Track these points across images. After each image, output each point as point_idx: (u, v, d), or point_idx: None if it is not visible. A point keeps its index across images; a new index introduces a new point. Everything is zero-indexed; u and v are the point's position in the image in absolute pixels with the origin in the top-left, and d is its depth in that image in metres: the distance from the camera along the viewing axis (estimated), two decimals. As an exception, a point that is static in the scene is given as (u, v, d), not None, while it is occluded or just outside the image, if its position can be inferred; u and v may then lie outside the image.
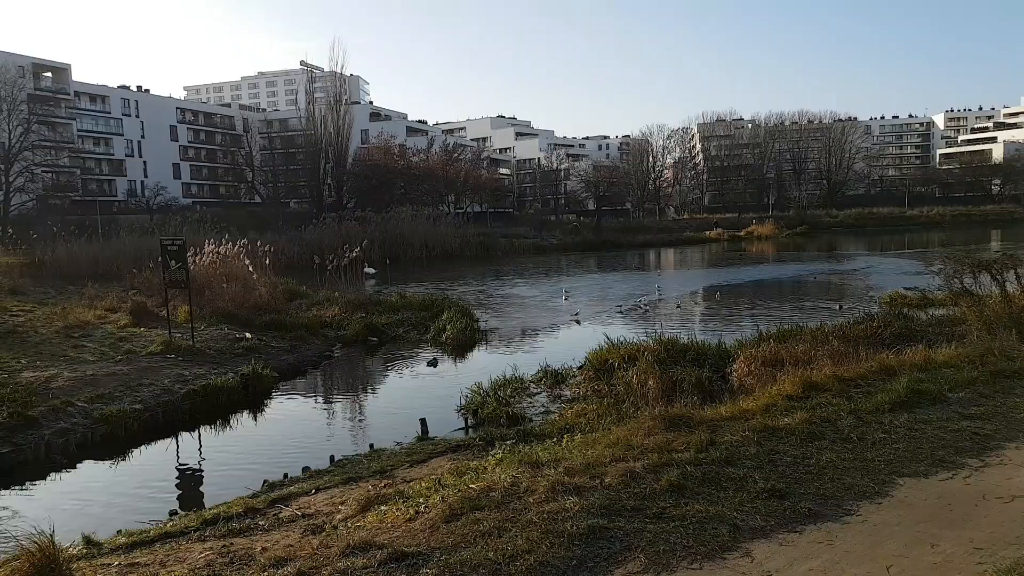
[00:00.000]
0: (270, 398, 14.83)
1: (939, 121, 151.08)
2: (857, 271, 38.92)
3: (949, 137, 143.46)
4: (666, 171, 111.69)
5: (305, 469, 10.09)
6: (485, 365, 16.60)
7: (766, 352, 12.09)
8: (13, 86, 67.86)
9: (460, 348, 19.15)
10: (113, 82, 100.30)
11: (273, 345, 17.90)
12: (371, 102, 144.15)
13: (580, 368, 14.88)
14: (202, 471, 11.07)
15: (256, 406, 14.30)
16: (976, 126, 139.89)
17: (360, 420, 13.19)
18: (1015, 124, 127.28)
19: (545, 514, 4.71)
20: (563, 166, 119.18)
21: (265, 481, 9.65)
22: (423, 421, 11.29)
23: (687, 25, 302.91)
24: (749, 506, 4.87)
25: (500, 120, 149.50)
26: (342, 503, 7.96)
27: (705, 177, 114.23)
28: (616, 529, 4.50)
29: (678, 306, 25.95)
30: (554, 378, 14.37)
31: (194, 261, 24.74)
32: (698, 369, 12.11)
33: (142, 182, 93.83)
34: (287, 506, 8.30)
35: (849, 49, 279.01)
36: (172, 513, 8.80)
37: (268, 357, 16.93)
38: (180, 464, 11.51)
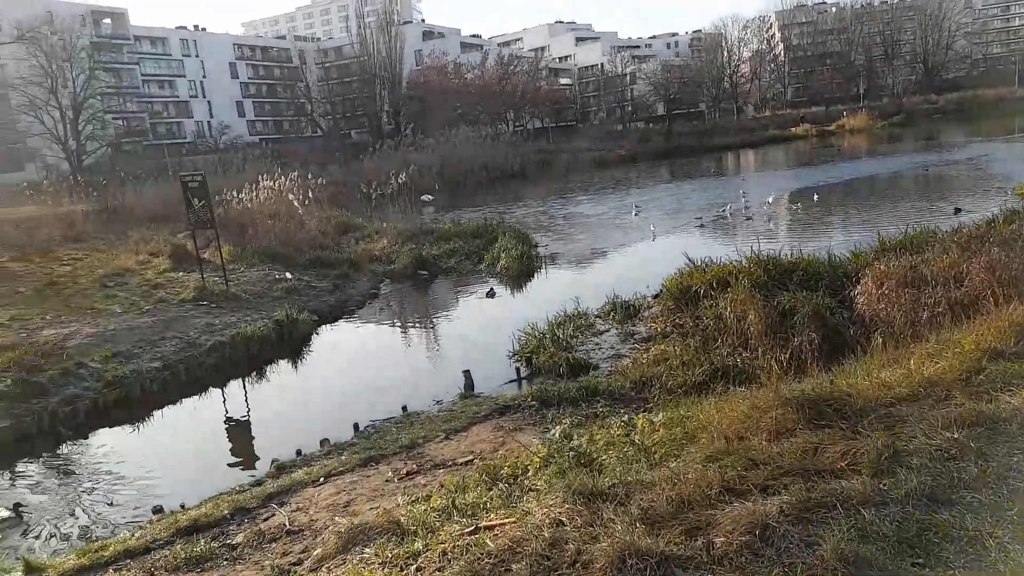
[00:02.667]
0: (308, 345, 13.28)
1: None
2: (972, 160, 33.97)
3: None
4: (743, 66, 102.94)
5: (323, 442, 8.40)
6: (545, 297, 14.39)
7: (901, 268, 9.27)
8: (72, 34, 67.50)
9: (517, 278, 16.97)
10: (169, 24, 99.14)
11: (315, 285, 16.27)
12: (423, 20, 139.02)
13: (656, 298, 12.44)
14: (210, 446, 9.46)
15: (292, 355, 12.78)
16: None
17: (398, 373, 11.31)
18: None
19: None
20: (628, 70, 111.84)
21: (274, 460, 8.05)
22: (467, 374, 9.32)
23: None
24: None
25: (558, 26, 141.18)
26: (346, 505, 6.10)
27: (787, 69, 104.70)
28: None
29: (770, 217, 22.57)
30: (625, 311, 12.01)
31: (251, 198, 24.24)
32: (812, 294, 9.45)
33: (208, 122, 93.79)
34: (283, 505, 6.53)
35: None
36: (156, 511, 7.18)
37: (308, 299, 15.36)
38: (188, 437, 9.96)
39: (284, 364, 12.39)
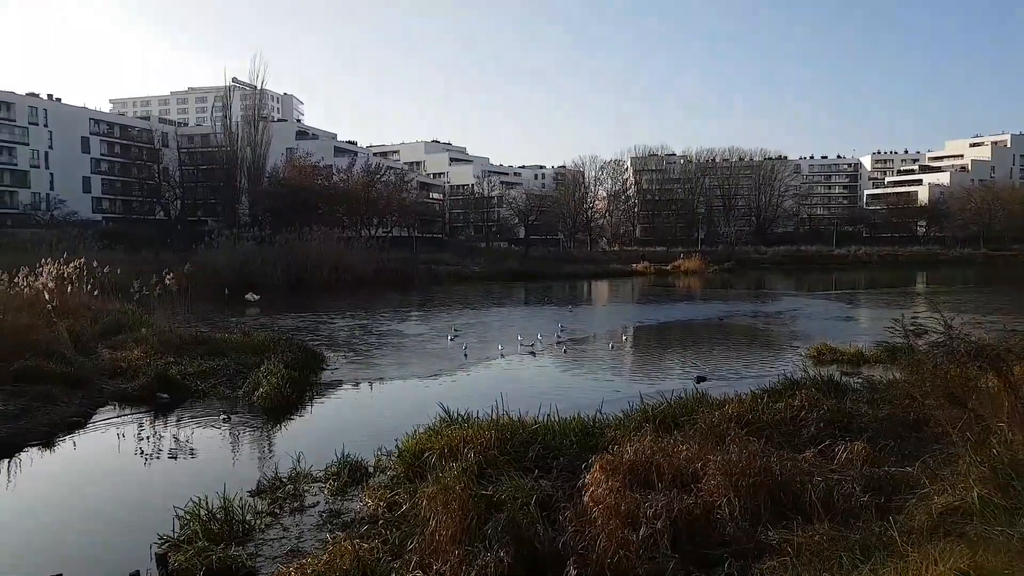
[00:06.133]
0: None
1: (866, 163, 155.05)
2: (782, 314, 35.96)
3: (876, 178, 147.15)
4: (598, 202, 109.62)
5: None
6: (285, 442, 12.06)
7: (636, 457, 7.96)
8: None
9: (274, 411, 14.45)
10: (24, 90, 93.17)
11: (-8, 409, 12.71)
12: (299, 120, 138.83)
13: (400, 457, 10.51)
14: None
15: None
16: (903, 168, 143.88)
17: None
18: (939, 168, 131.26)
19: None
20: (496, 193, 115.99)
21: None
22: (58, 583, 6.58)
23: (624, 57, 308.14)
24: None
25: (434, 145, 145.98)
26: None
27: (636, 210, 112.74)
28: None
29: (565, 351, 22.38)
30: (352, 475, 9.91)
31: (28, 283, 21.41)
32: (536, 482, 7.93)
33: (48, 194, 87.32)
34: None
35: (779, 89, 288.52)
36: None
37: (-33, 429, 11.84)
38: None
39: None
